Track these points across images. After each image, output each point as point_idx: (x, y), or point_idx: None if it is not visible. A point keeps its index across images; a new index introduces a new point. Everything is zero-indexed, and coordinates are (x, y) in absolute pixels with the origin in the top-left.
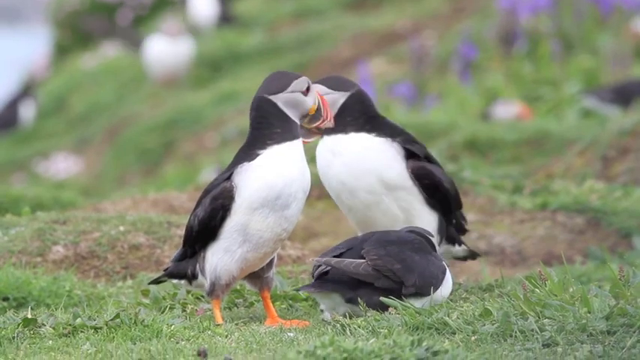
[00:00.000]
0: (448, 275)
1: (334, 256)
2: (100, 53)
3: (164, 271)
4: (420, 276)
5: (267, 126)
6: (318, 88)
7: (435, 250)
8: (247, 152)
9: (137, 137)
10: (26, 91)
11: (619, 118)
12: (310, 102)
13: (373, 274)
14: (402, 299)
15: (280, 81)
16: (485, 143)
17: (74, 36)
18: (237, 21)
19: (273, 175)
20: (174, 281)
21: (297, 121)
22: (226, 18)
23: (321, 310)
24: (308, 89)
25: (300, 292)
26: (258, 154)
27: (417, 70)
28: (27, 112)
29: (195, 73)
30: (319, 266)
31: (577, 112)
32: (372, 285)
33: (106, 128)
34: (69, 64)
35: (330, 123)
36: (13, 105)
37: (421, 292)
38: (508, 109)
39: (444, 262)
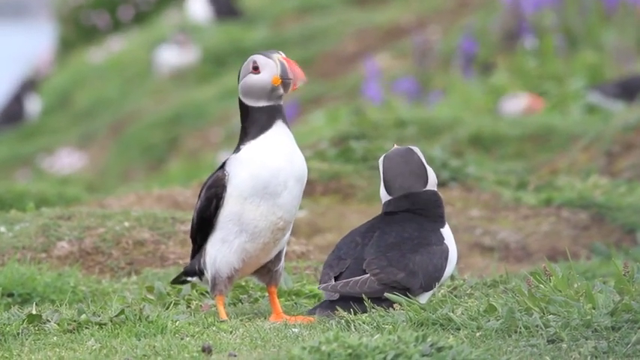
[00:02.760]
0: (452, 254)
1: (341, 272)
2: (105, 47)
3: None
4: (425, 275)
5: (242, 121)
6: (277, 55)
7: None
8: (236, 147)
9: (142, 133)
10: (31, 86)
11: (623, 113)
12: (266, 76)
13: (379, 288)
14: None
15: (238, 73)
16: (490, 139)
17: (78, 31)
18: (242, 15)
19: (258, 165)
20: (189, 279)
21: (270, 103)
22: (229, 12)
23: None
24: (256, 67)
25: (317, 315)
26: (240, 149)
27: (421, 65)
28: (31, 107)
29: (200, 69)
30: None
31: (581, 107)
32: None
33: (110, 124)
34: (73, 59)
35: (301, 81)
36: (17, 100)
37: (428, 289)
38: (516, 103)
39: (444, 243)
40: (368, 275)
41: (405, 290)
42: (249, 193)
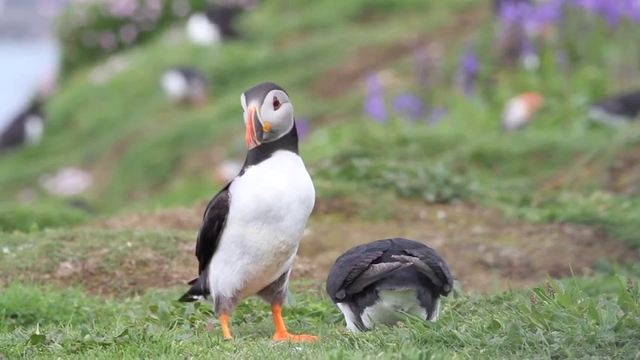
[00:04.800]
0: None
1: (377, 258)
2: (108, 68)
3: (189, 283)
4: (452, 275)
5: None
6: (252, 104)
7: None
8: (241, 169)
9: (144, 153)
10: (33, 107)
11: (626, 129)
12: (245, 119)
13: (429, 270)
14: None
15: None
16: (492, 155)
17: (80, 52)
18: (242, 36)
19: (261, 188)
20: (196, 297)
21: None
22: (231, 32)
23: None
24: (242, 106)
25: (381, 290)
26: (245, 171)
27: (423, 82)
28: (34, 128)
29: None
30: (356, 273)
31: (584, 123)
32: (424, 284)
33: (113, 144)
34: (75, 80)
35: (252, 144)
36: (19, 122)
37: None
38: (515, 112)
39: None
40: (417, 257)
41: (442, 281)
42: (252, 217)
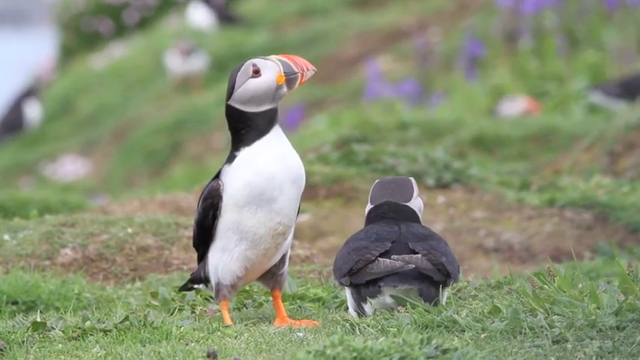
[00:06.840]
0: None
1: (385, 251)
2: (107, 54)
3: (191, 275)
4: (455, 266)
5: (235, 130)
6: (272, 56)
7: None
8: (229, 156)
9: (144, 139)
10: (32, 93)
11: (625, 112)
12: (269, 76)
13: (431, 268)
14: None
15: (230, 82)
16: (492, 140)
17: (80, 38)
18: (241, 21)
19: (252, 172)
20: (196, 286)
21: (273, 106)
22: (229, 18)
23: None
24: (257, 70)
25: (383, 286)
26: (235, 156)
27: (422, 67)
28: (32, 114)
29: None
30: (362, 264)
31: (583, 107)
32: (427, 280)
33: (113, 130)
34: (75, 65)
35: (311, 72)
36: (18, 108)
37: (455, 280)
38: (514, 106)
39: None
40: (419, 255)
41: (445, 276)
42: (245, 202)
